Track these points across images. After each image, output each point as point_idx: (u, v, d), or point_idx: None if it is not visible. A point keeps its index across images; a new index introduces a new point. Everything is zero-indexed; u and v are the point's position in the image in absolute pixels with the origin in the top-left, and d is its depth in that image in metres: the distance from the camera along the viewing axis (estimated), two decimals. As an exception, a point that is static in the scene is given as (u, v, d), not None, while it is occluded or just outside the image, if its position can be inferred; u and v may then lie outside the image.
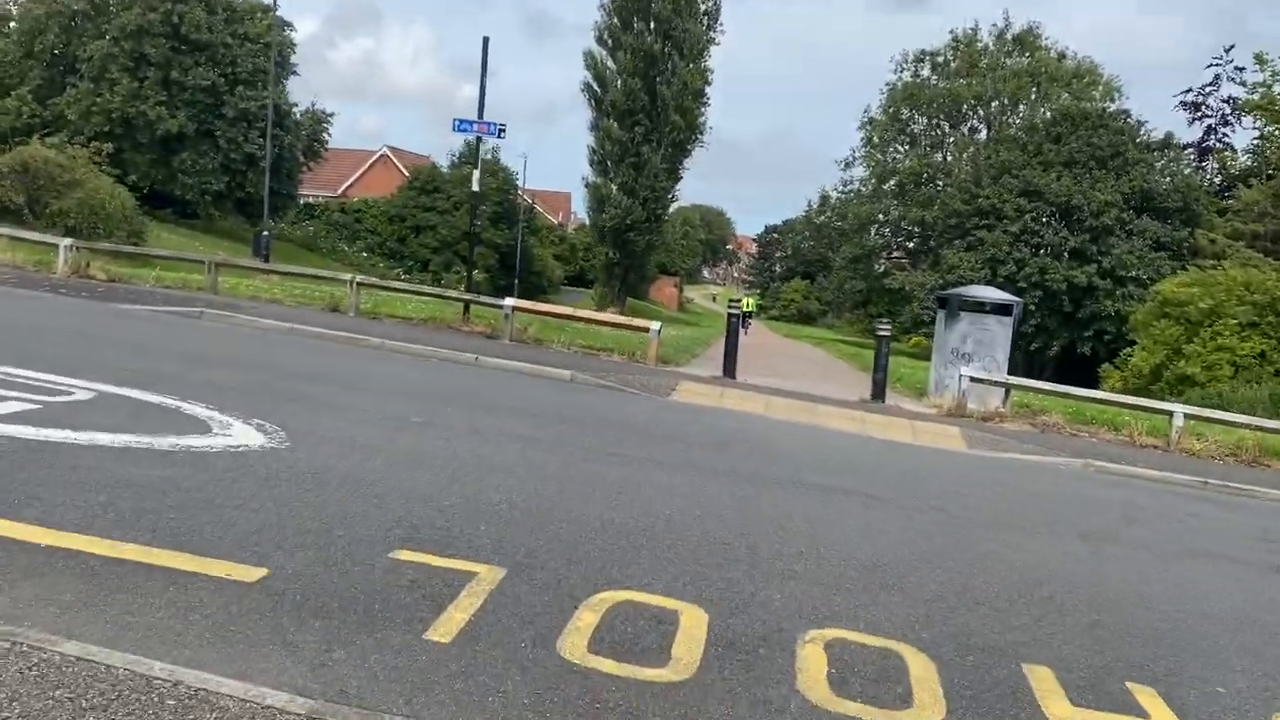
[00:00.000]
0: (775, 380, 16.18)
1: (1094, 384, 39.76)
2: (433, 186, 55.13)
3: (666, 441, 9.13)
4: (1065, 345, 45.62)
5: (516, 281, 52.01)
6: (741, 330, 15.61)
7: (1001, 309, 15.59)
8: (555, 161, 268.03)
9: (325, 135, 50.14)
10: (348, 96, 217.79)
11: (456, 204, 53.21)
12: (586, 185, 49.92)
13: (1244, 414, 30.26)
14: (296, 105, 45.62)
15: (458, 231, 52.06)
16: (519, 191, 58.98)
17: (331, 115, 49.36)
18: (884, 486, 8.57)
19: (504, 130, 15.87)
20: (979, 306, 15.62)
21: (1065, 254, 45.69)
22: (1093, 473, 11.56)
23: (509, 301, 15.36)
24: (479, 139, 15.94)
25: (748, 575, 5.28)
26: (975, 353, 15.38)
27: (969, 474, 10.11)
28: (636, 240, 49.25)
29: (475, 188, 16.86)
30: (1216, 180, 52.48)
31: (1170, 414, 13.87)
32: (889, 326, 15.11)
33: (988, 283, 46.58)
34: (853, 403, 14.35)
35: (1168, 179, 47.51)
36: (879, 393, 14.69)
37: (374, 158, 72.97)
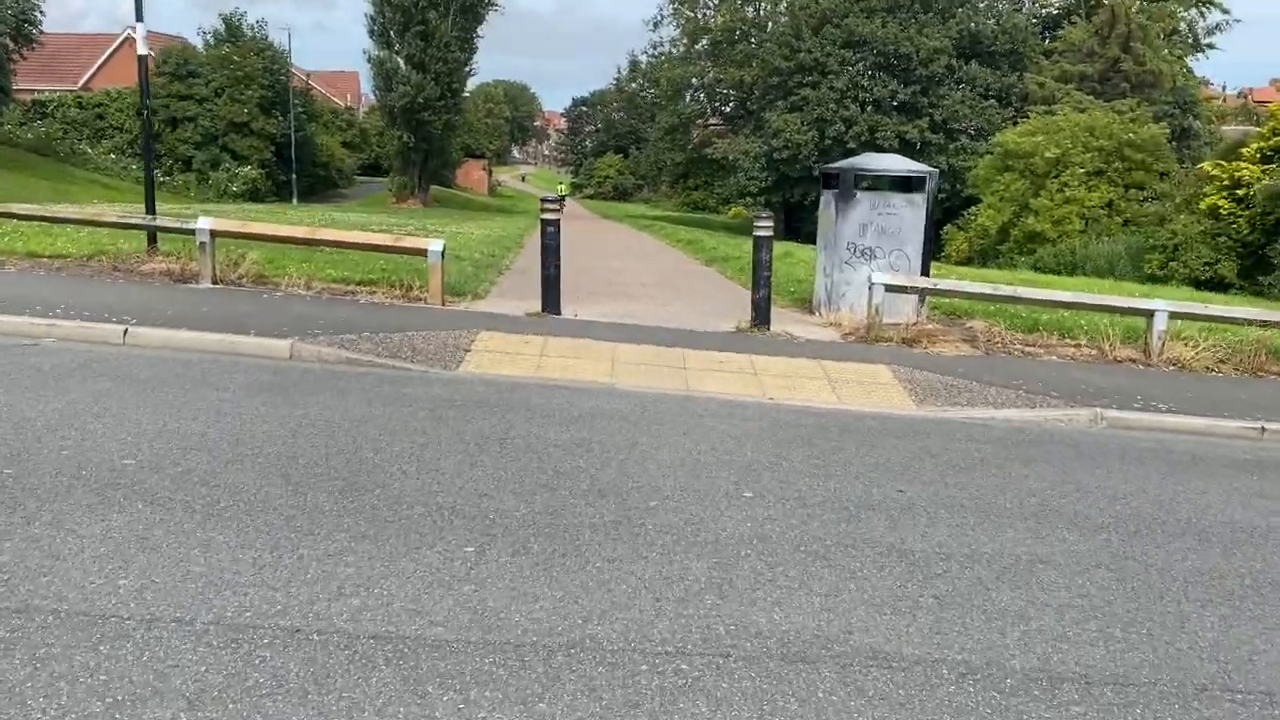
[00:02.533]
0: (612, 303, 11.75)
1: (937, 246, 37.36)
2: (187, 71, 46.48)
3: (443, 529, 4.52)
4: (900, 207, 43.09)
5: (294, 177, 44.93)
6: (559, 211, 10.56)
7: (911, 184, 11.46)
8: (341, 40, 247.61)
9: (37, 14, 41.49)
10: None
11: (218, 90, 45.32)
12: (369, 60, 43.53)
13: (1098, 271, 27.99)
14: (-9, -20, 36.84)
15: (223, 122, 44.50)
16: (291, 71, 50.96)
17: (40, -13, 40.47)
18: (882, 594, 4.32)
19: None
20: (880, 183, 11.44)
21: (894, 109, 42.73)
22: (1105, 429, 7.77)
23: (205, 223, 9.93)
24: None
25: None
26: (879, 246, 11.29)
27: (961, 478, 6.04)
28: (433, 120, 43.40)
29: (141, 50, 11.15)
30: (1034, 21, 50.43)
31: (1150, 314, 10.22)
32: (769, 222, 10.51)
33: (817, 145, 43.16)
34: (730, 336, 10.09)
35: (993, 20, 44.97)
36: (762, 317, 10.43)
37: (117, 41, 62.48)
